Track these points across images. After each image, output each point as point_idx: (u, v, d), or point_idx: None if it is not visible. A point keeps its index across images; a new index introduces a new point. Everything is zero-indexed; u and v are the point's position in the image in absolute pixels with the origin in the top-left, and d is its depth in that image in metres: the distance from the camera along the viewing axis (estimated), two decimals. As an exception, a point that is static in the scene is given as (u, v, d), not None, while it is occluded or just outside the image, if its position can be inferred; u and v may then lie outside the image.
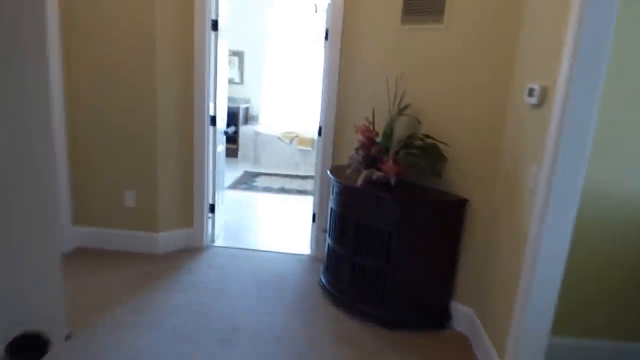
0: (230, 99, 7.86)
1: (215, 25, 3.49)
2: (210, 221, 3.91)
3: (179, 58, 3.43)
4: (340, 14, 3.30)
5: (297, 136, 7.00)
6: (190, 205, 3.76)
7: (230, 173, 6.60)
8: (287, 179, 6.52)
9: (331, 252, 3.03)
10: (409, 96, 2.81)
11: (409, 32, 2.85)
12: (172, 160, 3.59)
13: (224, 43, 3.83)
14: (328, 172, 3.00)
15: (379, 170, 2.73)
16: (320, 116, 3.56)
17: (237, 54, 7.75)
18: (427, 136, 2.68)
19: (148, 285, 3.16)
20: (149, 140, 3.47)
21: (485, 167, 2.51)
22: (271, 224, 4.62)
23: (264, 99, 7.98)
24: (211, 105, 3.66)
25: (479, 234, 2.57)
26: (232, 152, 7.65)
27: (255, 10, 7.52)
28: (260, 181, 6.30)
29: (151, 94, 3.38)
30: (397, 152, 2.73)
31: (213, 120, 3.69)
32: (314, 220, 3.81)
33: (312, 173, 5.93)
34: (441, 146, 2.65)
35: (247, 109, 7.94)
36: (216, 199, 3.92)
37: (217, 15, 3.49)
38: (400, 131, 2.81)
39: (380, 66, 3.10)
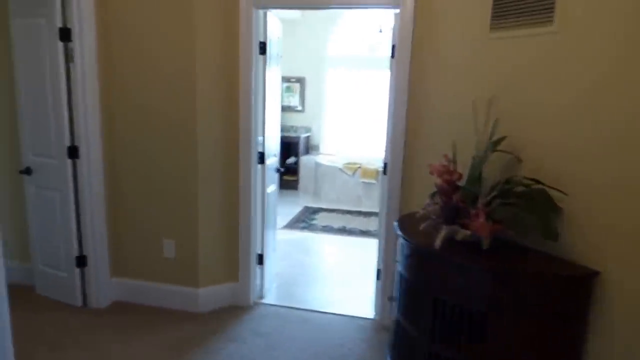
0: (290, 128, 7.50)
1: (263, 48, 3.03)
2: (258, 274, 3.38)
3: (223, 88, 3.00)
4: (409, 25, 2.70)
5: (360, 167, 6.40)
6: (236, 255, 3.26)
7: (289, 208, 6.12)
8: (349, 216, 5.90)
9: (401, 331, 2.34)
10: (505, 126, 2.11)
11: (501, 41, 2.17)
12: (214, 204, 3.13)
13: (275, 68, 3.37)
14: (395, 225, 2.34)
15: (465, 226, 2.03)
16: (386, 150, 2.94)
17: (299, 80, 7.39)
18: (534, 180, 1.94)
19: (181, 357, 2.66)
20: (189, 182, 3.04)
21: (627, 224, 1.72)
22: (329, 275, 3.99)
23: (326, 127, 7.52)
24: (259, 140, 3.18)
25: (621, 325, 1.76)
26: (292, 184, 7.23)
27: (316, 34, 7.15)
28: (320, 219, 5.73)
29: (191, 130, 2.97)
30: (489, 202, 2.02)
31: (261, 158, 3.20)
32: (378, 277, 3.14)
33: (376, 209, 5.27)
34: (554, 194, 1.90)
35: (308, 138, 7.50)
36: (266, 247, 3.39)
37: (265, 37, 3.03)
38: (493, 173, 2.11)
39: (463, 87, 2.44)
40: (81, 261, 3.15)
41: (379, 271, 3.13)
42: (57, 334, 2.88)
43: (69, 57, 2.87)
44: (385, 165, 2.93)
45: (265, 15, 3.00)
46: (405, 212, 2.85)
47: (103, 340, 2.82)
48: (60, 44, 2.84)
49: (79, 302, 3.19)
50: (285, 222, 5.49)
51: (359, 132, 7.36)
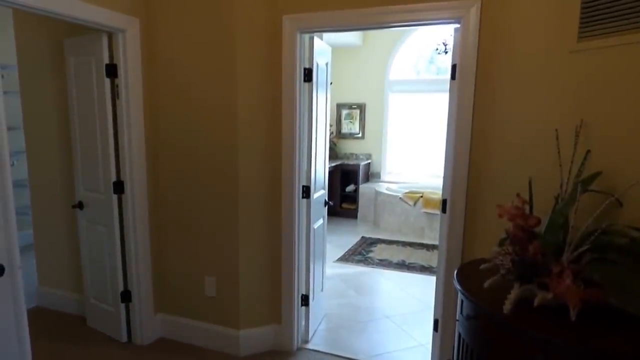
0: (350, 155, 7.25)
1: (309, 75, 2.81)
2: (302, 316, 3.09)
3: (265, 120, 2.81)
4: (473, 41, 2.35)
5: (422, 197, 5.95)
6: (278, 296, 3.00)
7: (347, 238, 5.81)
8: (410, 249, 5.45)
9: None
10: (599, 159, 1.69)
11: (593, 52, 1.76)
12: (256, 241, 2.91)
13: (323, 96, 3.14)
14: (455, 277, 1.95)
15: (543, 286, 1.61)
16: (444, 184, 2.56)
17: (359, 107, 7.16)
18: None
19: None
20: (230, 219, 2.85)
21: None
22: (383, 319, 3.60)
23: (387, 154, 7.18)
24: (304, 173, 2.93)
25: None
26: (351, 213, 6.94)
27: (378, 59, 6.92)
28: (377, 251, 5.35)
29: (231, 165, 2.79)
30: (578, 258, 1.59)
31: (307, 192, 2.95)
32: (435, 329, 2.72)
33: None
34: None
35: (368, 165, 7.20)
36: (311, 287, 3.10)
37: (311, 63, 2.82)
38: (583, 219, 1.68)
39: (542, 111, 2.04)
40: (126, 296, 3.06)
41: (436, 322, 2.71)
42: (94, 374, 2.78)
43: (115, 94, 2.85)
44: (445, 202, 2.55)
45: (311, 40, 2.79)
46: (468, 259, 2.44)
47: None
48: (107, 80, 2.83)
49: (124, 338, 3.09)
50: (340, 254, 5.18)
51: (422, 159, 6.94)
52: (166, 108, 2.93)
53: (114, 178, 2.92)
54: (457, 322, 2.01)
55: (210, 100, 2.78)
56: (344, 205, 7.06)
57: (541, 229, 1.74)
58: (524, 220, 1.74)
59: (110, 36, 2.80)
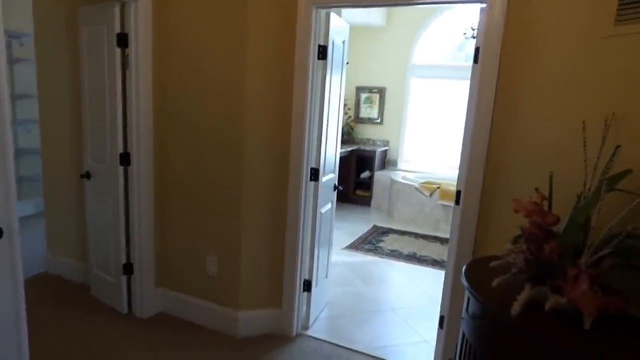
0: (367, 141, 7.09)
1: (323, 52, 2.68)
2: (304, 302, 3.02)
3: (275, 96, 2.70)
4: (499, 21, 2.18)
5: (439, 188, 5.79)
6: (280, 280, 2.93)
7: (358, 226, 5.71)
8: (422, 241, 5.32)
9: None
10: (629, 157, 1.53)
11: (630, 38, 1.59)
12: (260, 222, 2.83)
13: (338, 76, 3.01)
14: (463, 273, 1.83)
15: (557, 290, 1.48)
16: (460, 174, 2.42)
17: (379, 91, 6.97)
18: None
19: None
20: (233, 197, 2.78)
21: None
22: (388, 312, 3.50)
23: (405, 141, 7.00)
24: (313, 154, 2.82)
25: None
26: (364, 200, 6.82)
27: (401, 42, 6.69)
28: (388, 241, 5.23)
29: (237, 141, 2.70)
30: (597, 261, 1.45)
31: (315, 174, 2.84)
32: (441, 325, 2.61)
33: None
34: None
35: (385, 152, 7.03)
36: (315, 273, 3.01)
37: (326, 40, 2.68)
38: (606, 220, 1.53)
39: (570, 101, 1.87)
40: (128, 268, 3.03)
41: (442, 318, 2.60)
42: (93, 339, 2.79)
43: (125, 64, 2.77)
44: (459, 193, 2.41)
45: (327, 16, 2.65)
46: (479, 255, 2.31)
47: (133, 353, 2.65)
48: (118, 50, 2.75)
49: (125, 309, 3.08)
50: (349, 242, 5.08)
51: (441, 148, 6.74)
52: (175, 80, 2.84)
53: (120, 149, 2.87)
54: (461, 320, 1.90)
55: (219, 74, 2.69)
56: (358, 192, 6.95)
57: (559, 228, 1.61)
58: (542, 217, 1.61)
59: (123, 5, 2.71)
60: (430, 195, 5.85)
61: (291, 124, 2.71)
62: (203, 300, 3.01)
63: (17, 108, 4.93)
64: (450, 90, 6.59)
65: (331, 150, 3.08)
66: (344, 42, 3.03)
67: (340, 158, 6.32)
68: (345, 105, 7.00)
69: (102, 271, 3.20)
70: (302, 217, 2.81)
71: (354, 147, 6.79)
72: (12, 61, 4.83)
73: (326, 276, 3.38)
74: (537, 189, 1.68)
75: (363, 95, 7.06)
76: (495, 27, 2.18)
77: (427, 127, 6.86)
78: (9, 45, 4.79)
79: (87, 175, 3.15)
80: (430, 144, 6.88)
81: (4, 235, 1.65)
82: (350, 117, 7.11)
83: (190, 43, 2.75)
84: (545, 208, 1.64)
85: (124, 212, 2.96)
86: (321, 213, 3.00)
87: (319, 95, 2.75)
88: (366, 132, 7.14)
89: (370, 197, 6.80)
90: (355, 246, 4.98)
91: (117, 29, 2.73)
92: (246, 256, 2.84)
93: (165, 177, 3.00)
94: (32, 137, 4.88)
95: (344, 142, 6.89)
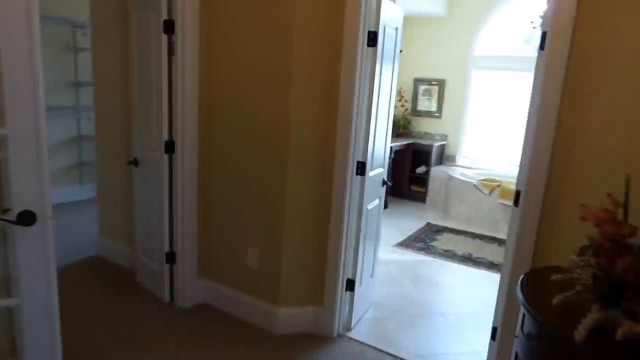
0: (424, 135, 6.80)
1: (373, 39, 2.52)
2: (347, 301, 2.90)
3: (321, 85, 2.58)
4: (572, 2, 1.90)
5: (499, 186, 5.41)
6: (322, 277, 2.83)
7: (411, 223, 5.49)
8: (479, 242, 5.00)
9: None
10: None
11: None
12: (302, 216, 2.74)
13: (390, 65, 2.83)
14: (519, 285, 1.62)
15: (632, 315, 1.25)
16: (520, 172, 2.17)
17: (438, 83, 6.63)
18: None
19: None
20: (276, 189, 2.70)
21: None
22: (437, 317, 3.29)
23: (464, 136, 6.62)
24: (360, 148, 2.68)
25: None
26: (419, 196, 6.55)
27: (463, 33, 6.31)
28: (442, 240, 4.97)
29: (281, 132, 2.62)
30: (686, 284, 1.21)
31: (361, 168, 2.70)
32: (493, 337, 2.38)
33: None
34: None
35: (442, 147, 6.70)
36: (359, 272, 2.88)
37: (377, 25, 2.51)
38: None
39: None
40: (171, 257, 3.07)
41: (494, 329, 2.38)
42: (132, 326, 2.84)
43: (171, 51, 2.78)
44: (518, 194, 2.17)
45: (379, 1, 2.48)
46: (539, 264, 2.06)
47: (170, 343, 2.67)
48: (165, 37, 2.75)
49: (167, 298, 3.12)
50: (400, 239, 4.88)
51: (503, 144, 6.30)
52: (220, 69, 2.80)
53: (165, 137, 2.88)
54: (515, 338, 1.70)
55: (264, 61, 2.61)
56: (413, 188, 6.69)
57: (636, 241, 1.36)
58: (615, 227, 1.37)
59: (171, -9, 2.71)
60: (490, 193, 5.49)
61: (338, 115, 2.58)
62: (243, 294, 2.98)
63: (80, 95, 5.18)
64: (515, 83, 6.13)
65: (380, 143, 2.92)
66: (396, 29, 2.84)
67: (395, 152, 6.18)
68: (401, 97, 6.75)
69: (146, 258, 3.27)
70: (346, 213, 2.68)
71: (410, 141, 6.52)
72: (75, 50, 5.08)
73: (372, 275, 3.24)
74: (610, 195, 1.44)
75: (421, 87, 6.76)
76: (567, 8, 1.91)
77: (488, 121, 6.44)
78: (73, 35, 5.05)
79: (135, 162, 3.22)
80: (491, 139, 6.46)
81: (37, 221, 1.67)
82: (407, 109, 6.84)
83: (236, 30, 2.69)
84: (620, 217, 1.40)
85: (168, 201, 2.98)
86: (367, 209, 2.86)
87: (367, 84, 2.59)
88: (424, 125, 6.84)
89: (425, 193, 6.52)
90: (407, 244, 4.78)
91: (164, 16, 2.73)
92: (287, 251, 2.76)
93: (209, 166, 2.98)
94: (93, 124, 5.13)
95: (399, 135, 6.65)
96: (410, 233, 5.14)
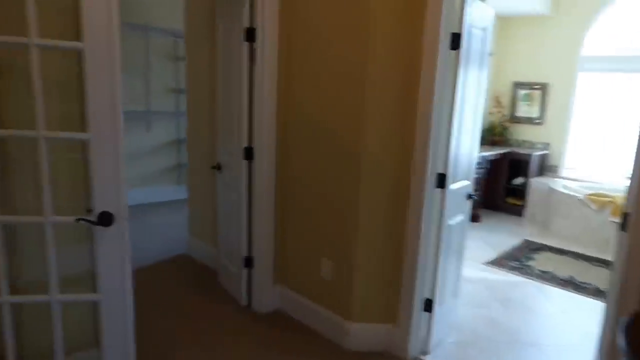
0: (522, 143, 6.26)
1: (456, 41, 2.32)
2: (424, 322, 2.70)
3: (398, 91, 2.45)
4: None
5: (611, 202, 4.75)
6: (397, 295, 2.67)
7: (505, 238, 5.07)
8: (584, 264, 4.43)
9: None
10: None
11: None
12: (376, 229, 2.62)
13: (477, 69, 2.60)
14: (621, 330, 1.34)
15: None
16: (630, 192, 1.84)
17: (541, 87, 6.06)
18: None
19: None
20: (350, 201, 2.61)
21: None
22: (529, 348, 2.94)
23: (570, 145, 5.95)
24: (440, 158, 2.48)
25: None
26: (516, 209, 6.04)
27: (569, 32, 5.69)
28: (540, 260, 4.48)
29: (355, 141, 2.53)
30: None
31: (441, 181, 2.50)
32: (595, 383, 2.04)
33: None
34: None
35: (543, 156, 6.09)
36: (439, 291, 2.67)
37: (460, 27, 2.32)
38: None
39: None
40: (248, 262, 3.13)
41: (597, 374, 2.03)
42: (208, 325, 2.93)
43: (252, 58, 2.83)
44: (626, 216, 1.83)
45: (462, 1, 2.28)
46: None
47: (242, 347, 2.71)
48: (246, 45, 2.82)
49: (244, 302, 3.19)
50: (491, 257, 4.50)
51: (613, 155, 5.54)
52: (297, 76, 2.81)
53: (245, 143, 2.95)
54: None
55: (340, 69, 2.55)
56: (509, 200, 6.16)
57: None
58: None
59: (252, 0, 2.77)
60: (599, 209, 4.84)
61: (415, 123, 2.42)
62: (316, 304, 2.92)
63: (180, 101, 5.58)
64: (628, 85, 5.35)
65: (465, 153, 2.69)
66: (485, 29, 2.60)
67: (489, 161, 5.73)
68: (498, 103, 6.28)
69: (227, 260, 3.37)
70: (423, 228, 2.50)
71: (507, 150, 6.03)
72: (177, 59, 5.49)
73: (454, 295, 2.99)
74: None
75: (521, 92, 6.22)
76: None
77: (597, 129, 5.71)
78: (174, 45, 5.46)
79: (218, 167, 3.34)
80: (600, 148, 5.72)
81: (114, 222, 1.76)
82: (504, 115, 6.34)
83: (313, 37, 2.68)
84: None
85: (247, 206, 3.04)
86: (449, 225, 2.64)
87: (449, 90, 2.40)
88: (523, 133, 6.28)
89: (523, 207, 5.97)
90: (499, 262, 4.38)
91: (246, 24, 2.79)
92: (361, 264, 2.65)
93: (286, 174, 2.99)
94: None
95: (494, 143, 6.19)
96: (503, 250, 4.72)
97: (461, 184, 2.73)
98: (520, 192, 6.05)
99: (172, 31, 5.28)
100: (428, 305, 2.67)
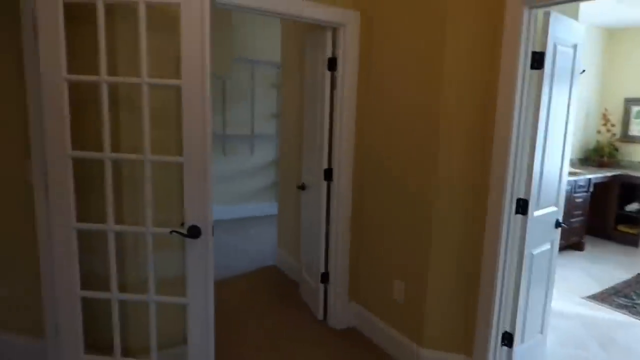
0: (637, 165, 5.59)
1: (539, 60, 2.23)
2: (502, 358, 2.56)
3: (475, 111, 2.40)
4: None
5: None
6: (472, 324, 2.57)
7: (614, 270, 4.61)
8: None
9: None
10: None
11: None
12: (450, 255, 2.56)
13: (563, 88, 2.46)
14: None
15: None
16: None
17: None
18: None
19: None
20: (422, 225, 2.60)
21: None
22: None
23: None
24: (521, 182, 2.38)
25: None
26: (630, 238, 5.42)
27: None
28: (654, 299, 3.96)
29: (428, 166, 2.52)
30: None
31: (523, 207, 2.39)
32: None
33: None
34: None
35: (666, 180, 5.39)
36: (521, 325, 2.52)
37: (544, 45, 2.22)
38: None
39: None
40: (325, 277, 3.23)
41: None
42: (285, 335, 3.06)
43: (333, 85, 2.99)
44: None
45: (546, 16, 2.19)
46: None
47: (314, 362, 2.80)
48: (328, 73, 2.98)
49: (320, 316, 3.29)
50: (594, 290, 4.08)
51: None
52: (372, 102, 2.89)
53: (325, 165, 3.08)
54: None
55: (412, 94, 2.57)
56: (620, 228, 5.53)
57: None
58: None
59: (335, 31, 2.93)
60: None
61: (492, 146, 2.36)
62: (388, 326, 2.92)
63: (278, 125, 6.02)
64: None
65: (552, 177, 2.53)
66: (575, 46, 2.45)
67: (595, 185, 5.22)
68: (607, 121, 5.72)
69: (307, 274, 3.51)
70: (501, 257, 2.39)
71: (617, 172, 5.44)
72: (277, 87, 5.95)
73: (541, 331, 2.79)
74: None
75: (634, 109, 5.60)
76: None
77: None
78: (276, 74, 5.95)
79: (302, 187, 3.53)
80: None
81: (201, 235, 1.99)
82: (614, 135, 5.75)
83: (388, 64, 2.74)
84: None
85: (325, 224, 3.16)
86: (532, 254, 2.50)
87: (531, 112, 2.30)
88: (637, 154, 5.63)
89: (637, 236, 5.31)
90: (603, 298, 3.96)
91: (329, 54, 2.95)
92: (433, 289, 2.60)
93: (361, 195, 3.06)
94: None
95: (602, 165, 5.63)
96: (610, 284, 4.25)
97: (547, 210, 2.56)
98: (634, 220, 5.40)
99: (275, 62, 5.73)
100: (508, 340, 2.52)
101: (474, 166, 2.44)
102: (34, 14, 1.90)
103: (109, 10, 1.95)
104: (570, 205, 4.90)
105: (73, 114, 1.93)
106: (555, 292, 3.94)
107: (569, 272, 4.53)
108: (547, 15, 2.19)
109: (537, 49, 2.22)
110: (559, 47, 2.29)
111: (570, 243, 5.12)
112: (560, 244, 5.07)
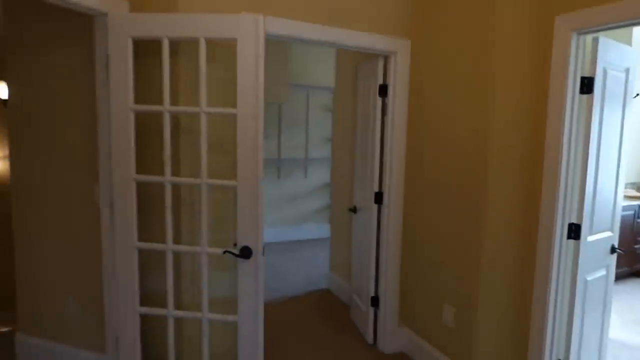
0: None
1: (588, 85, 2.22)
2: (557, 388, 2.46)
3: (524, 136, 2.40)
4: None
5: None
6: (525, 352, 2.50)
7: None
8: None
9: None
10: None
11: None
12: (500, 280, 2.52)
13: (615, 112, 2.41)
14: None
15: None
16: None
17: None
18: None
19: None
20: (472, 250, 2.58)
21: None
22: None
23: None
24: (572, 207, 2.33)
25: None
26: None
27: None
28: None
29: (477, 190, 2.52)
30: None
31: (575, 232, 2.33)
32: None
33: None
34: None
35: None
36: (576, 355, 2.43)
37: (593, 70, 2.21)
38: None
39: None
40: (375, 301, 3.25)
41: None
42: (334, 357, 3.08)
43: (384, 111, 3.07)
44: None
45: (595, 42, 2.18)
46: None
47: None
48: (379, 99, 3.08)
49: (370, 340, 3.29)
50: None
51: None
52: (423, 126, 2.93)
53: (376, 188, 3.15)
54: None
55: (461, 122, 2.60)
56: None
57: None
58: None
59: (386, 59, 3.02)
60: None
61: (542, 172, 2.33)
62: (438, 351, 2.88)
63: (329, 148, 6.19)
64: None
65: (606, 202, 2.46)
66: (627, 70, 2.41)
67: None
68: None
69: (358, 298, 3.53)
70: (553, 283, 2.34)
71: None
72: (331, 111, 6.10)
73: (601, 364, 2.67)
74: None
75: None
76: None
77: None
78: (330, 98, 6.10)
79: (354, 210, 3.59)
80: None
81: (252, 255, 2.08)
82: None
83: (437, 90, 2.80)
84: None
85: (375, 248, 3.20)
86: (586, 280, 2.42)
87: (581, 135, 2.27)
88: None
89: None
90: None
91: (380, 81, 3.06)
92: (483, 315, 2.56)
93: (411, 220, 3.08)
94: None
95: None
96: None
97: (602, 235, 2.49)
98: None
99: (329, 87, 5.93)
100: (563, 371, 2.43)
101: (525, 191, 2.43)
102: (106, 49, 2.10)
103: (172, 44, 2.12)
104: (634, 230, 4.68)
105: (136, 140, 2.09)
106: (619, 322, 3.75)
107: (635, 302, 4.28)
108: (595, 41, 2.18)
109: (587, 74, 2.22)
110: (609, 72, 2.27)
111: (635, 270, 4.86)
112: (625, 272, 4.83)
